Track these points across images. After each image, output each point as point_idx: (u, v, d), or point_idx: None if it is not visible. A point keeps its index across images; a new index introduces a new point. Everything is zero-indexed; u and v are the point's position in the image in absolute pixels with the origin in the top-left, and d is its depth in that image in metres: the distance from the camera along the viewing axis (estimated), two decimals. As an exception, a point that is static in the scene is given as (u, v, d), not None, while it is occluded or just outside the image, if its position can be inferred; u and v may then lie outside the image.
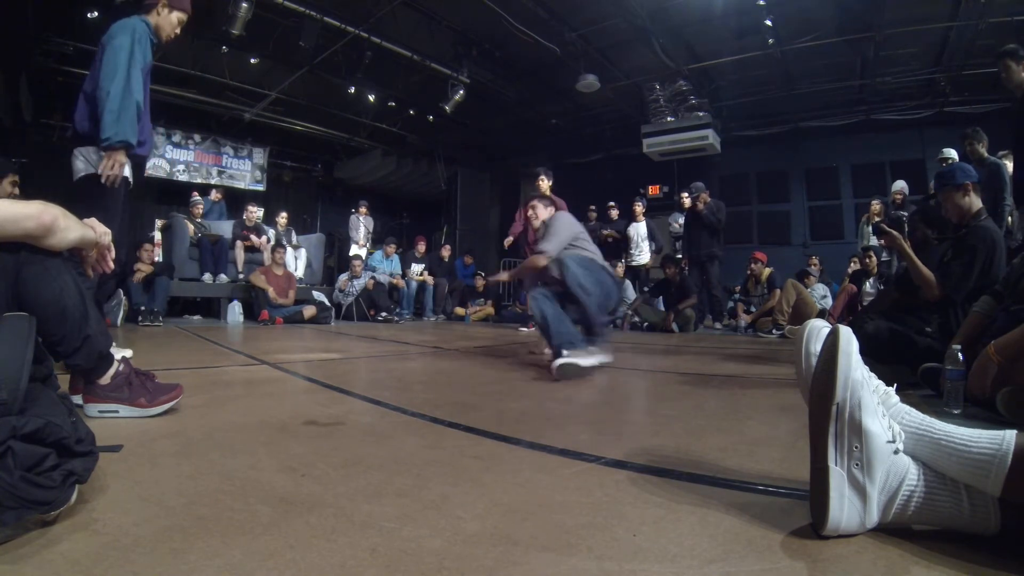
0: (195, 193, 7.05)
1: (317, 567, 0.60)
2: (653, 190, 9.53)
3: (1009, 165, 3.54)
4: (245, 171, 9.78)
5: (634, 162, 9.00)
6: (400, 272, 7.78)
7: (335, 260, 9.45)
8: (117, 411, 1.29)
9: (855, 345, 0.72)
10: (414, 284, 7.74)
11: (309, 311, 5.91)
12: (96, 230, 1.15)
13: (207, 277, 6.08)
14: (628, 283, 7.04)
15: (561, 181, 5.47)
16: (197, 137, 9.16)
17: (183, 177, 8.93)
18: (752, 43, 6.39)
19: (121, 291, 4.84)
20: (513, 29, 6.17)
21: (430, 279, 7.93)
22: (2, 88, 6.09)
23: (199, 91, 7.92)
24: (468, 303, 8.06)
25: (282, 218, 7.29)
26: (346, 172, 11.07)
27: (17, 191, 2.97)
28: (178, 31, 2.33)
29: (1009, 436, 0.64)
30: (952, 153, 4.69)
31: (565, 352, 2.14)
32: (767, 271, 6.18)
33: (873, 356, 1.82)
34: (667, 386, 2.13)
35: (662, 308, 6.16)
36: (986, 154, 3.87)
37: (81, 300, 1.10)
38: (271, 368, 2.32)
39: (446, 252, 8.74)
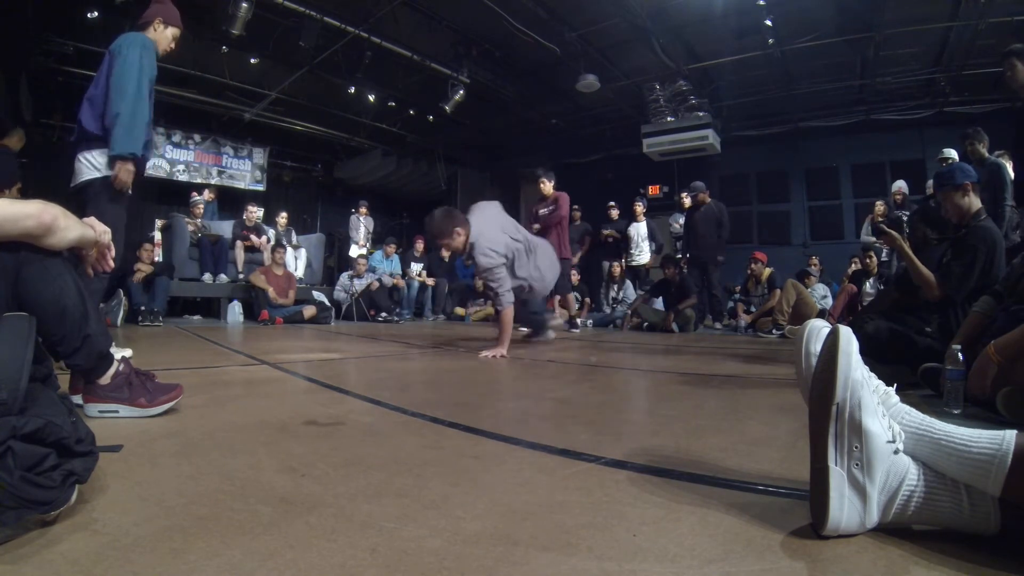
0: (195, 193, 7.06)
1: (317, 567, 0.60)
2: (653, 190, 9.53)
3: (1009, 165, 3.54)
4: (245, 171, 9.77)
5: (634, 162, 9.00)
6: (400, 272, 7.78)
7: (335, 260, 9.45)
8: (117, 411, 1.29)
9: (855, 345, 0.72)
10: (414, 284, 7.74)
11: (309, 311, 5.91)
12: (96, 229, 1.15)
13: (207, 277, 6.09)
14: (628, 283, 7.06)
15: (561, 181, 5.48)
16: (197, 137, 9.15)
17: (183, 177, 8.92)
18: (752, 43, 6.38)
19: (121, 291, 4.84)
20: (513, 29, 6.17)
21: (430, 280, 7.93)
22: (2, 88, 6.08)
23: (199, 91, 7.91)
24: (468, 303, 8.05)
25: (282, 218, 7.30)
26: (346, 172, 11.05)
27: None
28: (173, 45, 2.50)
29: (1009, 436, 0.64)
30: (952, 153, 4.68)
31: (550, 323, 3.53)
32: (767, 271, 6.18)
33: (873, 356, 1.82)
34: (667, 386, 2.12)
35: (662, 308, 6.16)
36: (987, 154, 3.86)
37: (81, 300, 1.10)
38: (271, 368, 2.32)
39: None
